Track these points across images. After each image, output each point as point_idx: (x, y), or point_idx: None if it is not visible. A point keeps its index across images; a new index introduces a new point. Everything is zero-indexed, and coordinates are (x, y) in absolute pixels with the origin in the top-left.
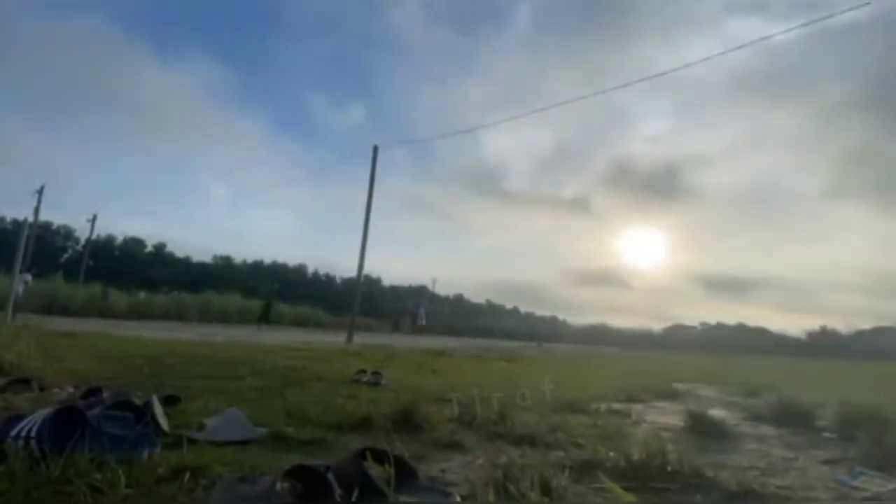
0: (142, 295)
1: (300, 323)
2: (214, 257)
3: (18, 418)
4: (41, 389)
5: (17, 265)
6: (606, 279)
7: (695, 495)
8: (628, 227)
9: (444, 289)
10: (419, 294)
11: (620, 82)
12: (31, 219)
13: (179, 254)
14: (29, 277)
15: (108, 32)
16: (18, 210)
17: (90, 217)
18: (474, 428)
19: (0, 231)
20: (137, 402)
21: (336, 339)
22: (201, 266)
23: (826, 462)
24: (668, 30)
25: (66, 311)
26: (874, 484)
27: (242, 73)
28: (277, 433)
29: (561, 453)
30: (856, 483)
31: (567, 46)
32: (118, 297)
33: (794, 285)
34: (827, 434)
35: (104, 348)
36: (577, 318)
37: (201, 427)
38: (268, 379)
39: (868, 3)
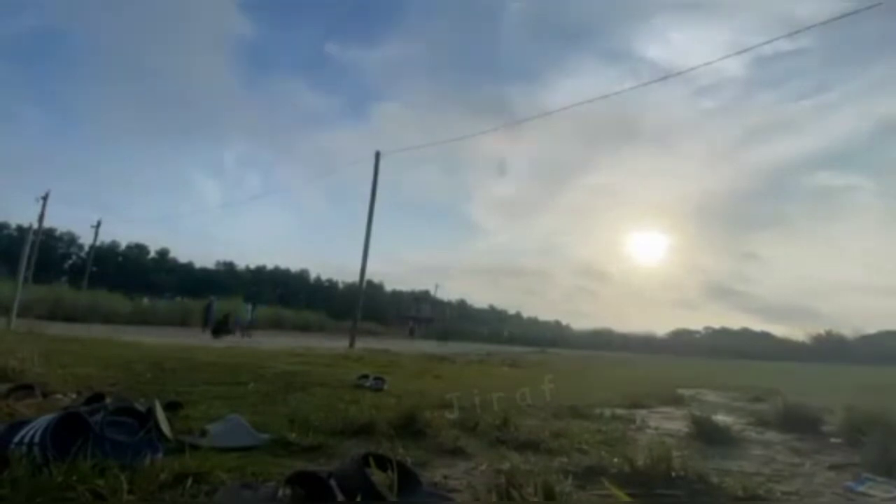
0: (145, 300)
1: (302, 328)
2: (217, 263)
3: (21, 424)
4: (44, 395)
5: (22, 271)
6: (608, 281)
7: (700, 501)
8: (630, 229)
9: (446, 294)
10: (422, 299)
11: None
12: (35, 225)
13: (182, 259)
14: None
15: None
16: (23, 216)
17: (94, 223)
18: (477, 433)
19: (5, 238)
20: (140, 408)
21: (338, 344)
22: (204, 272)
23: (832, 468)
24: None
25: (70, 317)
26: (881, 490)
27: (243, 77)
28: (280, 439)
29: (564, 459)
30: (863, 489)
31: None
32: (121, 303)
33: (799, 289)
34: (833, 439)
35: (107, 354)
36: (581, 323)
37: (204, 433)
38: (270, 384)
39: (880, 3)
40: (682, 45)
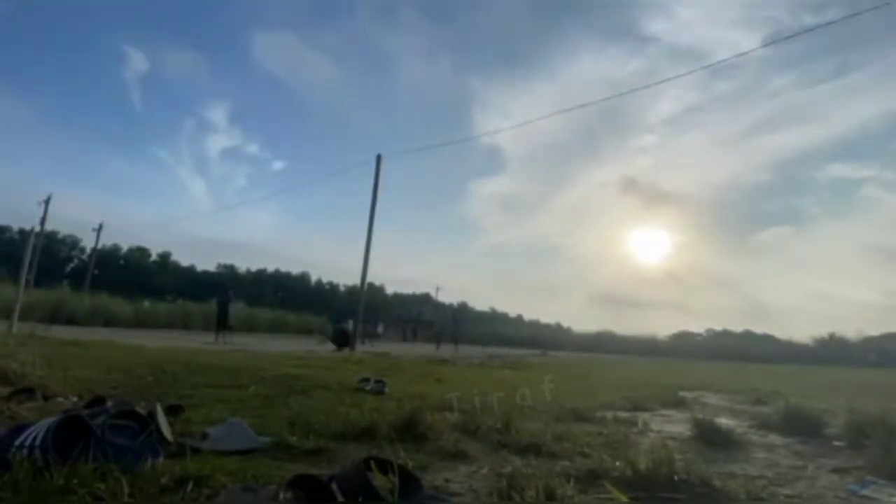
0: (146, 304)
1: (303, 331)
2: (218, 266)
3: (23, 428)
4: (45, 399)
5: (24, 275)
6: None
7: None
8: (632, 230)
9: (447, 296)
10: (423, 302)
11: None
12: (37, 229)
13: (184, 262)
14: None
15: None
16: (25, 220)
17: (96, 226)
18: (479, 437)
19: (7, 241)
20: (141, 411)
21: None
22: (205, 274)
23: (835, 471)
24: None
25: (72, 320)
26: (885, 493)
27: (244, 81)
28: (281, 442)
29: (566, 463)
30: (866, 492)
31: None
32: (122, 306)
33: (804, 287)
34: (836, 443)
35: (108, 357)
36: (582, 326)
37: (205, 436)
38: (271, 387)
39: (888, 3)
40: (690, 19)
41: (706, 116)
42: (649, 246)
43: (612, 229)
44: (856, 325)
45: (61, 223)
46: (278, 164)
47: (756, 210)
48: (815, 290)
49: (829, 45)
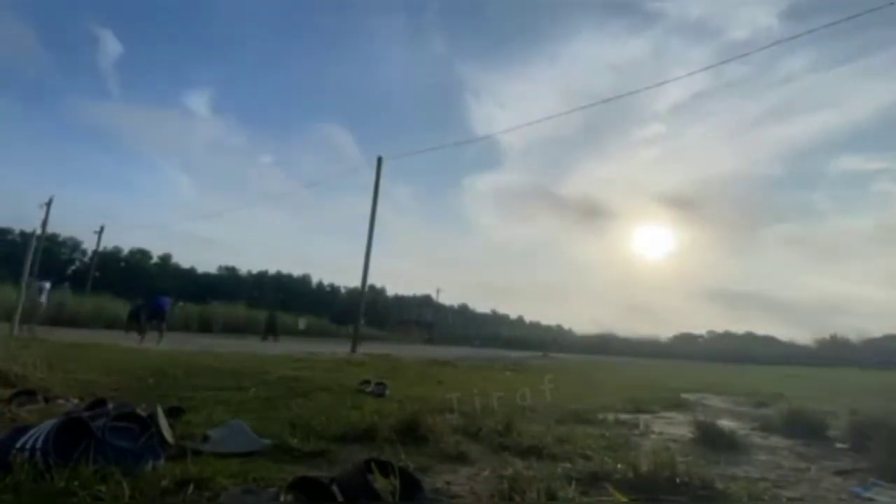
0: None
1: (305, 333)
2: (219, 268)
3: (24, 430)
4: (46, 401)
5: (25, 277)
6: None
7: None
8: (633, 225)
9: (448, 298)
10: (424, 304)
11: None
12: (38, 231)
13: (184, 265)
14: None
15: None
16: (27, 222)
17: (97, 229)
18: (480, 439)
19: (9, 243)
20: (142, 413)
21: (341, 349)
22: (206, 277)
23: (838, 473)
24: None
25: (73, 322)
26: (888, 496)
27: (244, 83)
28: (282, 445)
29: (568, 465)
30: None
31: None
32: (124, 309)
33: (802, 291)
34: (839, 445)
35: (109, 360)
36: (583, 327)
37: (205, 439)
38: (272, 390)
39: (893, 3)
40: None
41: (715, 105)
42: (652, 244)
43: (613, 228)
44: (858, 326)
45: (62, 226)
46: (279, 164)
47: (764, 204)
48: (820, 290)
49: (845, 25)
